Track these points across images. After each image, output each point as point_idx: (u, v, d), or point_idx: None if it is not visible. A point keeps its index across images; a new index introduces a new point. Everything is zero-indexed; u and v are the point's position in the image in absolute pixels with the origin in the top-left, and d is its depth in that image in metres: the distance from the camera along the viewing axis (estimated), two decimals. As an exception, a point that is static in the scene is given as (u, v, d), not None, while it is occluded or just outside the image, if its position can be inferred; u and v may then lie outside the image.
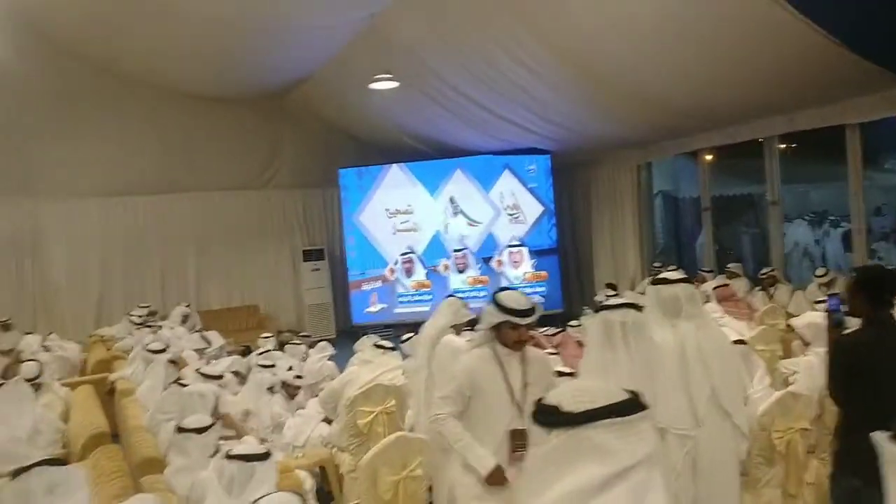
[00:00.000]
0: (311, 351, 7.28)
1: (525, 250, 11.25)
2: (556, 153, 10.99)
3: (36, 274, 10.41)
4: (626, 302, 2.72)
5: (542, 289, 11.18)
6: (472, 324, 3.97)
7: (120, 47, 9.13)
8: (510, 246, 11.26)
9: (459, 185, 11.39)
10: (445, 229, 11.51)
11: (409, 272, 11.72)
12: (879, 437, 1.37)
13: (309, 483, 3.82)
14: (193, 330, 8.08)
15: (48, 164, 10.13)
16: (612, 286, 10.08)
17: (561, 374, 3.66)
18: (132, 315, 8.21)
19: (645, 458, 1.05)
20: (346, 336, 11.02)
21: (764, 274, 8.34)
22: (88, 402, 4.83)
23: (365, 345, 5.72)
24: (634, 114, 8.49)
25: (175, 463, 3.08)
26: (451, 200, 11.46)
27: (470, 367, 2.85)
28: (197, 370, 4.71)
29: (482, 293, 11.41)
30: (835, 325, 2.79)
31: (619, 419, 1.05)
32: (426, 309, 11.60)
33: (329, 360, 6.70)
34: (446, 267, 11.54)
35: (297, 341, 7.74)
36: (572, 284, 11.96)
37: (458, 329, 4.12)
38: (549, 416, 1.09)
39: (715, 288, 6.83)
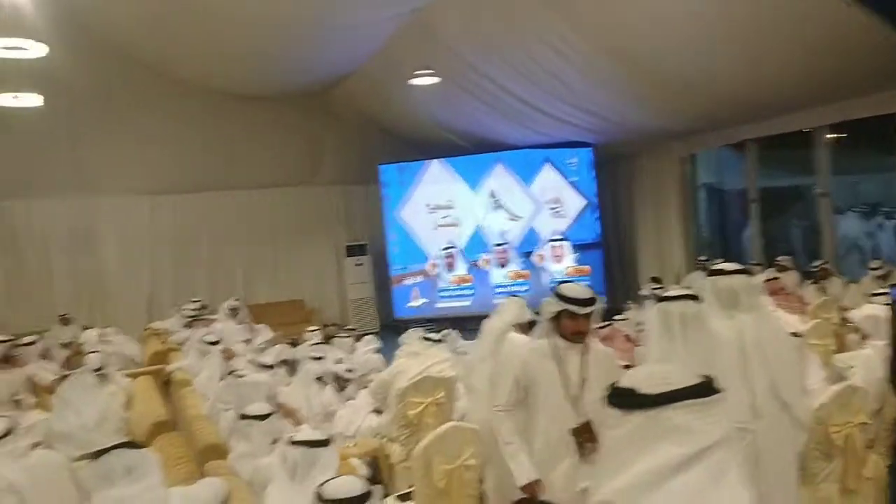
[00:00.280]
0: (357, 344, 7.42)
1: (567, 244, 11.20)
2: (597, 146, 10.90)
3: (91, 270, 10.78)
4: (686, 293, 2.70)
5: (586, 283, 11.12)
6: (531, 325, 3.96)
7: (168, 50, 9.40)
8: (552, 240, 11.22)
9: (500, 179, 11.40)
10: (486, 224, 11.54)
11: (450, 267, 11.78)
12: None
13: (363, 471, 3.90)
14: (242, 323, 8.28)
15: (101, 164, 10.49)
16: (656, 280, 9.98)
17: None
18: (184, 309, 8.45)
19: (722, 439, 1.08)
20: (388, 330, 11.15)
21: (815, 267, 8.15)
22: (148, 392, 5.02)
23: (411, 338, 5.80)
24: (678, 104, 8.38)
25: (238, 449, 3.19)
26: (492, 195, 11.47)
27: (525, 359, 2.85)
28: (250, 360, 4.84)
29: (523, 288, 11.41)
30: None
31: (697, 400, 1.08)
32: (467, 304, 11.67)
33: (375, 353, 6.83)
34: (487, 262, 11.57)
35: (344, 335, 7.86)
36: (615, 279, 11.85)
37: (521, 329, 4.10)
38: (625, 399, 1.12)
39: (765, 281, 6.70)
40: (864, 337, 3.96)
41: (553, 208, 11.22)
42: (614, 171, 11.79)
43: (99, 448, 2.59)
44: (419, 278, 11.93)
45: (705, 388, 1.10)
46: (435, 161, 11.69)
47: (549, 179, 11.20)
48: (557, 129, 10.26)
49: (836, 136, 9.34)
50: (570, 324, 2.74)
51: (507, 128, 10.63)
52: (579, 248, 11.18)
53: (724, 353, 2.55)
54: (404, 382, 4.71)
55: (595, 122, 9.72)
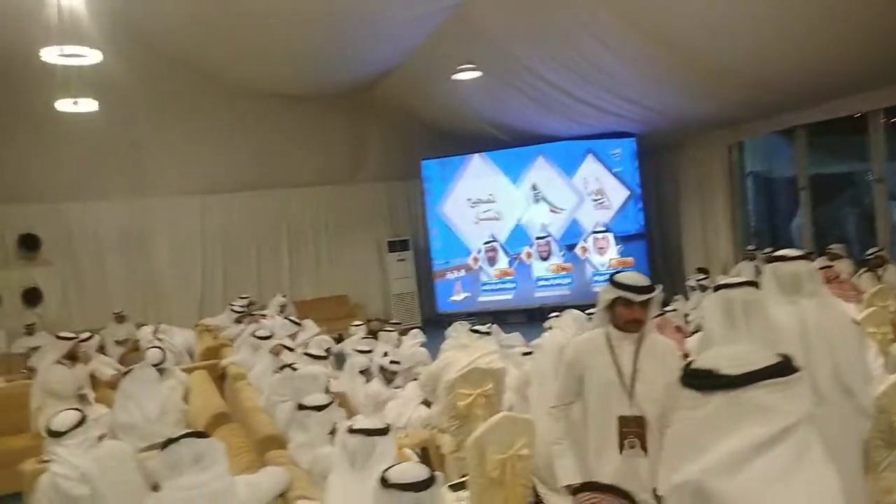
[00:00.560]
0: (403, 338, 7.49)
1: (610, 236, 11.10)
2: (641, 136, 10.76)
3: (144, 269, 11.12)
4: (745, 280, 2.66)
5: (632, 274, 11.01)
6: None
7: (216, 54, 9.60)
8: (595, 232, 11.14)
9: (542, 171, 11.35)
10: (527, 217, 11.50)
11: (492, 261, 11.80)
12: None
13: (415, 461, 3.95)
14: (288, 319, 8.43)
15: (153, 166, 10.79)
16: (703, 271, 9.82)
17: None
18: (233, 306, 8.66)
19: (804, 417, 1.08)
20: (431, 324, 11.23)
21: (870, 254, 7.90)
22: (204, 385, 5.17)
23: (457, 331, 5.84)
24: (725, 91, 8.21)
25: (297, 439, 3.27)
26: (534, 188, 11.43)
27: (578, 349, 2.82)
28: (304, 353, 4.94)
29: (566, 280, 11.36)
30: None
31: (780, 380, 1.08)
32: (509, 297, 11.67)
33: (421, 346, 6.89)
34: (529, 255, 11.55)
35: (390, 328, 7.95)
36: (660, 270, 11.68)
37: None
38: (705, 380, 1.12)
39: (819, 269, 6.53)
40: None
41: (596, 200, 11.12)
42: (658, 161, 11.62)
43: (166, 438, 2.70)
44: (461, 272, 11.98)
45: (786, 367, 1.10)
46: (476, 155, 11.70)
47: (591, 171, 11.11)
48: (600, 119, 10.16)
49: (887, 120, 9.05)
50: (624, 312, 2.66)
51: (548, 120, 10.57)
52: (623, 239, 11.07)
53: (786, 340, 2.51)
54: (453, 374, 4.74)
55: (639, 111, 9.59)
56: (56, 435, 3.08)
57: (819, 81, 7.47)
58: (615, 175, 11.05)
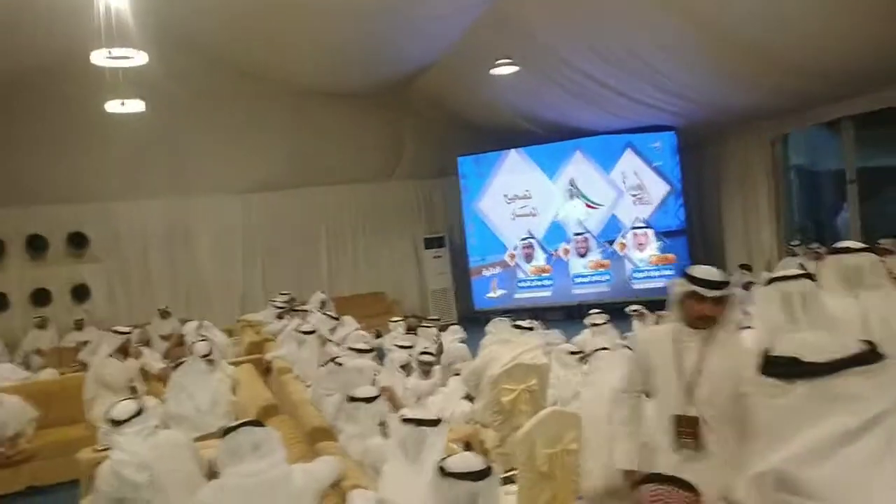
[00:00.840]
0: (442, 334, 7.51)
1: (650, 232, 10.95)
2: (681, 129, 10.59)
3: (187, 265, 11.35)
4: (801, 272, 2.61)
5: (670, 272, 10.83)
6: None
7: (256, 54, 9.75)
8: (634, 228, 11.00)
9: (579, 166, 11.25)
10: (565, 213, 11.42)
11: (528, 257, 11.75)
12: None
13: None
14: (328, 315, 8.53)
15: (195, 165, 11.00)
16: (745, 267, 9.66)
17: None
18: (274, 301, 8.79)
19: (893, 406, 1.05)
20: (467, 321, 11.21)
21: (922, 249, 7.65)
22: (251, 378, 5.27)
23: (498, 327, 5.84)
24: (768, 82, 8.04)
25: (347, 430, 3.31)
26: (571, 183, 11.34)
27: (647, 343, 2.79)
28: (349, 347, 4.99)
29: (604, 277, 11.26)
30: None
31: (866, 367, 1.06)
32: (547, 294, 11.60)
33: (460, 342, 6.90)
34: (567, 251, 11.47)
35: (428, 324, 7.98)
36: (701, 266, 11.48)
37: None
38: (788, 368, 1.10)
39: (870, 264, 6.36)
40: None
41: (635, 195, 10.98)
42: (699, 155, 11.42)
43: (218, 428, 2.76)
44: (497, 269, 11.96)
45: (873, 355, 1.08)
46: (512, 151, 11.66)
47: (630, 165, 10.96)
48: (639, 112, 10.04)
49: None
50: (695, 307, 2.53)
51: (586, 113, 10.47)
52: (663, 235, 10.91)
53: (848, 332, 2.45)
54: (496, 370, 4.75)
55: (679, 104, 9.45)
56: (116, 423, 3.17)
57: (867, 70, 7.25)
58: (655, 170, 10.89)
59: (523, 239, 11.71)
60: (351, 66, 9.87)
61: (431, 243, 12.46)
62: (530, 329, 5.13)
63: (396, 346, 6.17)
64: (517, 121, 11.43)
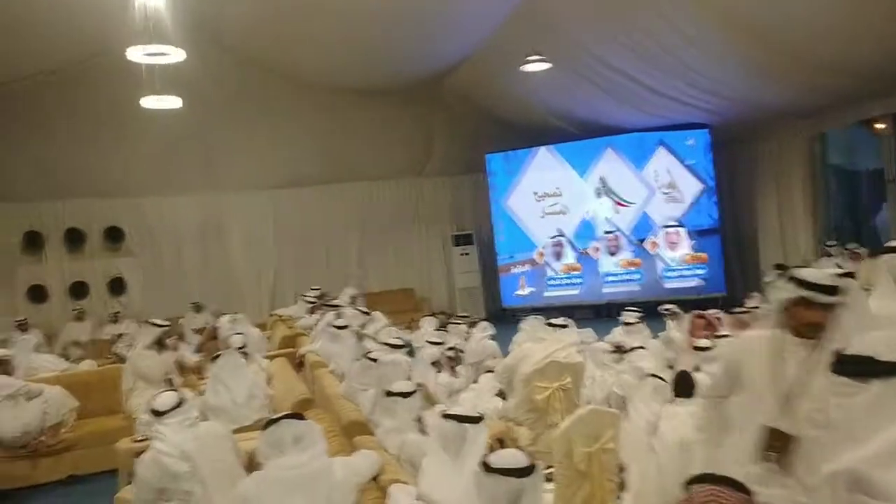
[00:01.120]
0: (472, 330, 7.49)
1: (683, 231, 10.80)
2: (715, 127, 10.43)
3: (219, 260, 11.50)
4: (844, 272, 2.55)
5: (702, 271, 10.71)
6: None
7: (287, 51, 9.81)
8: (666, 226, 10.86)
9: (610, 164, 11.15)
10: (595, 211, 11.33)
11: (558, 255, 11.67)
12: None
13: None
14: (359, 310, 8.56)
15: (227, 161, 11.15)
16: (781, 267, 9.45)
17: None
18: (306, 296, 8.85)
19: None
20: (495, 319, 11.18)
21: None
22: (285, 372, 5.32)
23: (531, 324, 5.81)
24: (806, 79, 7.88)
25: (384, 424, 3.32)
26: (602, 181, 11.24)
27: (740, 349, 2.56)
28: (384, 342, 5.01)
29: (635, 276, 11.14)
30: None
31: None
32: (576, 293, 11.52)
33: (490, 339, 6.87)
34: (597, 249, 11.37)
35: (458, 321, 7.97)
36: (734, 266, 11.31)
37: None
38: (864, 367, 1.07)
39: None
40: None
41: (667, 193, 10.84)
42: (733, 153, 11.23)
43: (254, 420, 2.77)
44: (526, 267, 11.91)
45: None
46: (542, 148, 11.59)
47: (662, 163, 10.83)
48: (672, 110, 9.91)
49: None
50: (804, 314, 2.29)
51: (618, 111, 10.37)
52: (696, 234, 10.76)
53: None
54: (529, 367, 4.72)
55: (714, 101, 9.31)
56: (158, 414, 3.22)
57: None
58: (688, 168, 10.74)
59: (553, 237, 11.64)
60: (382, 63, 9.90)
61: (460, 240, 12.46)
62: (564, 327, 5.06)
63: (428, 342, 6.17)
64: (547, 118, 11.36)
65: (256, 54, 10.24)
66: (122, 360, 7.30)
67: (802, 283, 2.31)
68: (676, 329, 6.50)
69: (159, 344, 5.68)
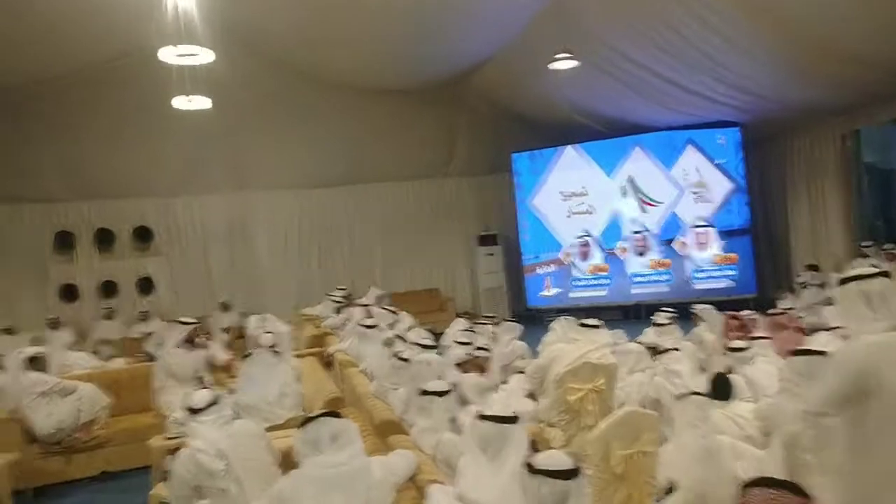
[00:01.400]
0: (497, 330, 7.43)
1: (712, 231, 10.63)
2: (746, 125, 10.25)
3: (245, 259, 11.58)
4: (879, 271, 2.48)
5: (732, 272, 10.53)
6: None
7: (314, 52, 9.85)
8: (696, 226, 10.70)
9: (638, 163, 11.01)
10: (623, 211, 11.20)
11: (584, 256, 11.57)
12: None
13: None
14: (385, 310, 8.55)
15: (253, 161, 11.23)
16: (813, 268, 9.29)
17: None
18: (333, 296, 8.87)
19: None
20: (521, 319, 11.09)
21: None
22: (315, 371, 5.31)
23: (562, 325, 5.75)
24: (839, 75, 7.70)
25: (420, 424, 3.28)
26: (630, 180, 11.11)
27: (877, 355, 2.23)
28: (414, 342, 4.98)
29: (664, 277, 11.00)
30: None
31: None
32: (603, 293, 11.40)
33: (518, 339, 6.82)
34: (624, 250, 11.24)
35: (485, 321, 7.91)
36: (765, 267, 11.11)
37: None
38: None
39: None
40: None
41: (696, 192, 10.68)
42: (765, 152, 11.04)
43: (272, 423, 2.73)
44: (552, 267, 11.82)
45: None
46: (569, 147, 11.49)
47: (692, 162, 10.67)
48: (702, 108, 9.76)
49: None
50: None
51: (646, 109, 10.24)
52: (726, 234, 10.58)
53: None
54: (562, 368, 4.65)
55: (745, 98, 9.15)
56: (194, 412, 3.22)
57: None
58: (718, 167, 10.57)
59: (579, 237, 11.53)
60: (408, 62, 9.90)
61: (484, 241, 12.41)
62: (597, 327, 4.98)
63: (456, 342, 6.12)
64: (574, 116, 11.25)
65: (284, 56, 10.29)
66: (151, 358, 7.37)
67: None
68: (707, 330, 6.39)
69: (189, 342, 5.72)
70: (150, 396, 5.68)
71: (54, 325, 9.09)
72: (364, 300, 8.36)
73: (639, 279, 11.16)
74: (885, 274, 2.51)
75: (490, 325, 7.79)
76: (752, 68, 8.19)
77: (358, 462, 2.57)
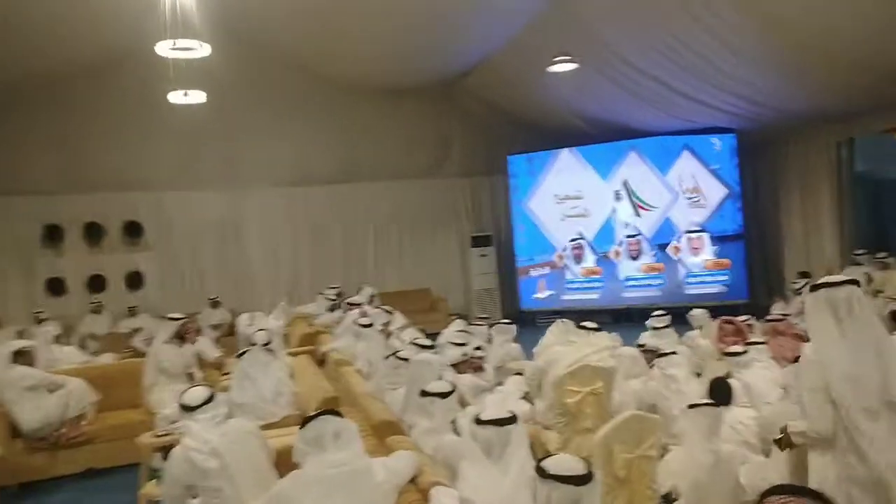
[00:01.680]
0: (491, 331, 7.39)
1: (706, 236, 10.64)
2: (741, 131, 10.28)
3: (236, 256, 11.45)
4: (847, 279, 2.57)
5: (725, 277, 10.55)
6: None
7: (310, 49, 9.78)
8: (689, 231, 10.71)
9: (634, 168, 11.01)
10: (616, 214, 11.19)
11: (578, 258, 11.55)
12: None
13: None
14: (377, 309, 8.49)
15: (246, 158, 11.11)
16: (805, 275, 9.31)
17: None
18: (326, 294, 8.79)
19: None
20: (513, 322, 11.07)
21: None
22: (309, 370, 5.24)
23: (560, 327, 5.72)
24: (836, 83, 7.73)
25: (421, 425, 3.23)
26: (625, 184, 11.11)
27: None
28: (412, 341, 4.92)
29: (657, 281, 11.00)
30: None
31: None
32: (595, 297, 11.38)
33: (512, 342, 6.77)
34: (618, 253, 11.23)
35: (479, 323, 7.87)
36: (758, 273, 11.14)
37: None
38: None
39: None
40: None
41: (691, 198, 10.69)
42: (759, 159, 11.08)
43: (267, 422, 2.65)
44: (546, 270, 11.79)
45: None
46: (565, 150, 11.47)
47: (687, 167, 10.68)
48: (698, 113, 9.77)
49: None
50: None
51: (643, 113, 10.24)
52: (719, 239, 10.60)
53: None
54: (561, 370, 4.61)
55: (741, 105, 9.16)
56: (188, 409, 3.14)
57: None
58: (713, 172, 10.58)
59: (573, 240, 11.51)
60: (405, 61, 9.84)
61: (478, 242, 12.36)
62: (597, 330, 4.95)
63: (451, 343, 6.07)
64: (571, 119, 11.24)
65: (280, 52, 10.21)
66: (139, 354, 7.27)
67: None
68: (701, 335, 6.38)
69: (180, 338, 5.63)
70: (139, 393, 5.59)
71: (40, 318, 8.94)
72: (356, 298, 8.28)
73: (631, 283, 11.15)
74: (853, 282, 2.61)
75: (484, 326, 7.76)
76: (751, 75, 8.20)
77: (360, 463, 2.51)
